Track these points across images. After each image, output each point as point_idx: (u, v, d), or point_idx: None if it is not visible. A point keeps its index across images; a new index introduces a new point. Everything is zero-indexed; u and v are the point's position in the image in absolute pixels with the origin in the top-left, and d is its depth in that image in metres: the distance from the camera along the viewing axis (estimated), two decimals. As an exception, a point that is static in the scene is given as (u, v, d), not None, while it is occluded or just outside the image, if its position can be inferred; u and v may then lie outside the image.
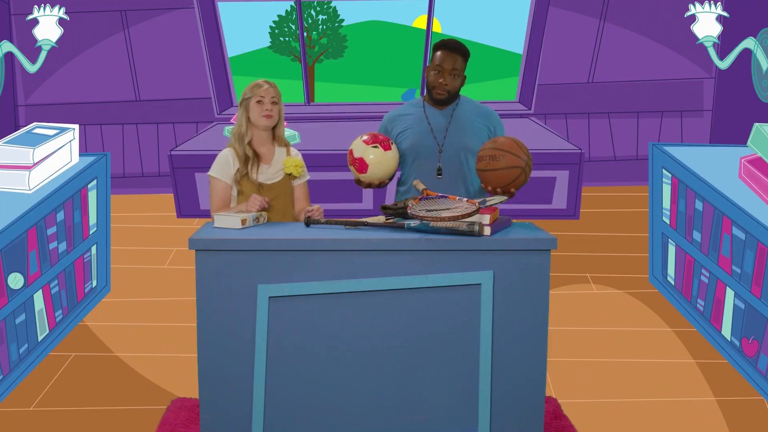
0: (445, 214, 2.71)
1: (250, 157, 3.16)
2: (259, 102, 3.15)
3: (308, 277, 2.63)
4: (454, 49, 3.16)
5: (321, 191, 3.62)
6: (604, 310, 4.57)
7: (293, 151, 3.30)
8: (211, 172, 3.19)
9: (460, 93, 3.29)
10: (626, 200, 6.22)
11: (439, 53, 3.16)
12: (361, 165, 3.08)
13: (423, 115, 3.24)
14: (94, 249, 4.59)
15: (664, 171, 4.77)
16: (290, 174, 3.21)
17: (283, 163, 3.21)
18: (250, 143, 3.18)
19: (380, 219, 2.92)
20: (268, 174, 3.19)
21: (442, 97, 3.18)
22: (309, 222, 2.83)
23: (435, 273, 2.63)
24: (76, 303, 4.32)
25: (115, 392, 3.55)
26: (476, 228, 2.61)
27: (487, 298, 2.64)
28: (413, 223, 2.71)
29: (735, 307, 3.85)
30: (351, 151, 3.11)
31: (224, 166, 3.17)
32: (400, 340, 2.67)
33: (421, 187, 2.99)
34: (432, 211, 2.78)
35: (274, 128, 3.24)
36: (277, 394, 2.68)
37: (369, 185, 3.16)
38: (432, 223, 2.67)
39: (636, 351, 4.03)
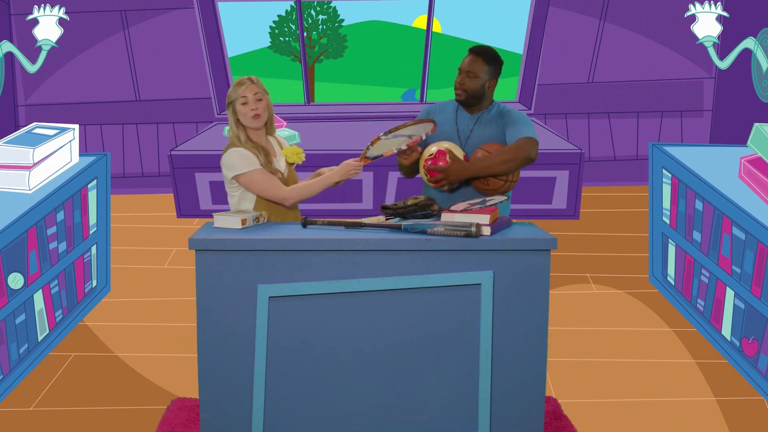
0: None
1: (263, 153, 3.08)
2: (244, 103, 3.04)
3: (308, 277, 2.63)
4: (475, 52, 3.21)
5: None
6: (604, 310, 4.57)
7: (282, 140, 3.28)
8: (243, 169, 3.02)
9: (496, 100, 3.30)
10: (626, 200, 6.22)
11: (465, 56, 3.23)
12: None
13: (454, 117, 3.28)
14: (94, 249, 4.59)
15: (664, 171, 4.77)
16: (291, 163, 3.20)
17: (283, 153, 3.19)
18: (249, 140, 3.11)
19: (380, 219, 2.93)
20: (280, 166, 3.17)
21: (461, 98, 3.21)
22: (306, 223, 2.83)
23: (435, 273, 2.64)
24: (76, 303, 4.32)
25: (115, 392, 3.55)
26: (473, 230, 2.61)
27: (487, 298, 2.64)
28: (411, 222, 2.71)
29: (735, 307, 3.85)
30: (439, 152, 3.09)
31: (249, 158, 3.04)
32: (400, 340, 2.67)
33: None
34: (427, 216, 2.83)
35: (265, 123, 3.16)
36: (277, 394, 2.68)
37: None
38: (429, 230, 2.67)
39: (636, 351, 4.03)
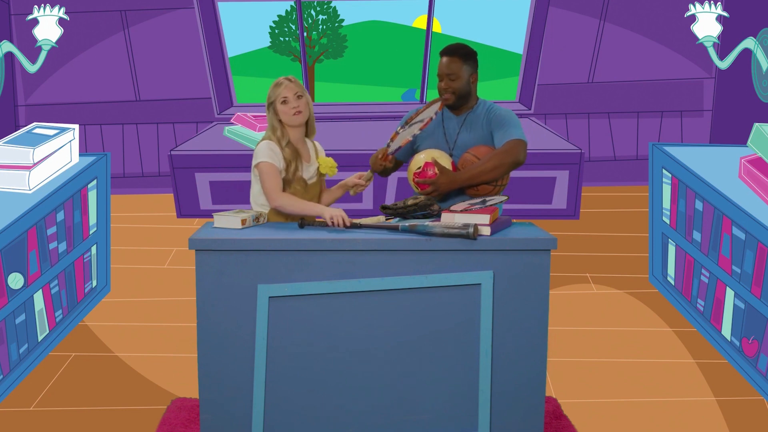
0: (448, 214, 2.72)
1: (295, 157, 3.09)
2: (284, 102, 3.06)
3: (308, 277, 2.64)
4: (449, 52, 3.19)
5: (321, 191, 3.66)
6: (604, 310, 4.57)
7: (319, 147, 3.28)
8: (261, 158, 3.03)
9: (481, 98, 3.29)
10: (626, 200, 6.22)
11: (439, 61, 3.20)
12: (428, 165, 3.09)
13: (440, 120, 3.27)
14: (94, 249, 4.59)
15: (664, 171, 4.77)
16: (323, 174, 3.23)
17: (318, 161, 3.20)
18: (290, 143, 3.10)
19: (379, 219, 2.93)
20: (309, 172, 3.16)
21: (450, 101, 3.19)
22: (303, 224, 2.83)
23: (435, 273, 2.64)
24: (76, 303, 4.32)
25: (115, 392, 3.55)
26: (470, 231, 2.60)
27: (487, 298, 2.64)
28: (408, 224, 2.71)
29: (735, 307, 3.86)
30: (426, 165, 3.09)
31: (274, 154, 3.05)
32: (400, 340, 2.67)
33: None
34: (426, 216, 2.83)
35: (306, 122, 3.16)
36: (277, 394, 2.68)
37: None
38: (426, 231, 2.67)
39: (636, 351, 4.03)
